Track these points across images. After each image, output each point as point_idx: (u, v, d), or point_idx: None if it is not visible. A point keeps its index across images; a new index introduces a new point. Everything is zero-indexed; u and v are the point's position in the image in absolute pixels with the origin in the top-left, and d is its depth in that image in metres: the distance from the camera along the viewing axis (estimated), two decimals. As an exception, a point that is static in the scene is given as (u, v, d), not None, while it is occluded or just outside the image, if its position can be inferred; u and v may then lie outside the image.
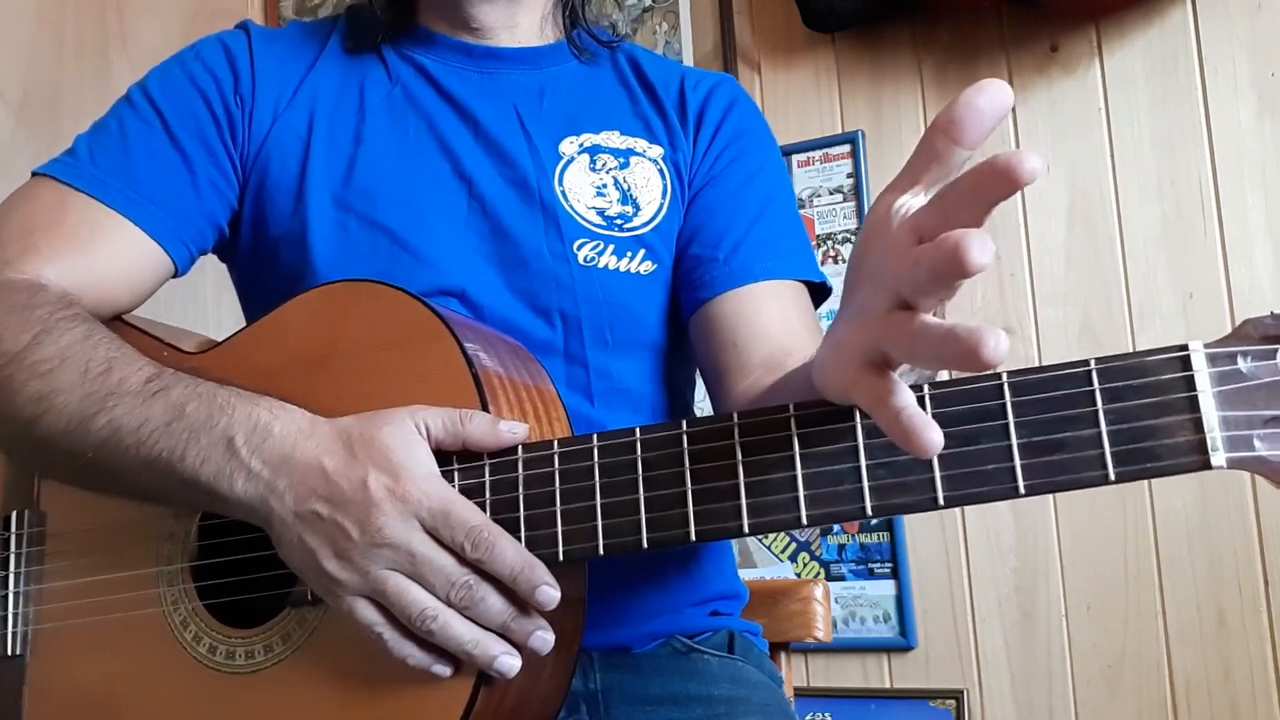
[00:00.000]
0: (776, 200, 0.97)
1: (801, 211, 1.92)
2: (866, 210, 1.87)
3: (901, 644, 1.80)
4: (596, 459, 0.64)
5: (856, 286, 0.53)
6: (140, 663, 0.73)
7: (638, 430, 0.64)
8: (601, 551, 0.63)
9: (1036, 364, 1.78)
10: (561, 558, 0.64)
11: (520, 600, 0.64)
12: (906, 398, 0.49)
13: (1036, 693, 1.72)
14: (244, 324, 0.82)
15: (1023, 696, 1.72)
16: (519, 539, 0.64)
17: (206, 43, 0.94)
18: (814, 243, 1.90)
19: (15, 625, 0.78)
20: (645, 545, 0.62)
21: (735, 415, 0.61)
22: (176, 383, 0.70)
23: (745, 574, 1.67)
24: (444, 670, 0.65)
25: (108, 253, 0.84)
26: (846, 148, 1.91)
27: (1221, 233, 1.68)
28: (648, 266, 0.91)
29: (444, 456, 0.66)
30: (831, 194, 1.90)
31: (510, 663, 0.64)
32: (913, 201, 0.49)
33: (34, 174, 0.87)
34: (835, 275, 1.87)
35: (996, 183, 0.44)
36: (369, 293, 0.74)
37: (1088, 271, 1.75)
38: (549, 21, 0.99)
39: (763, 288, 0.90)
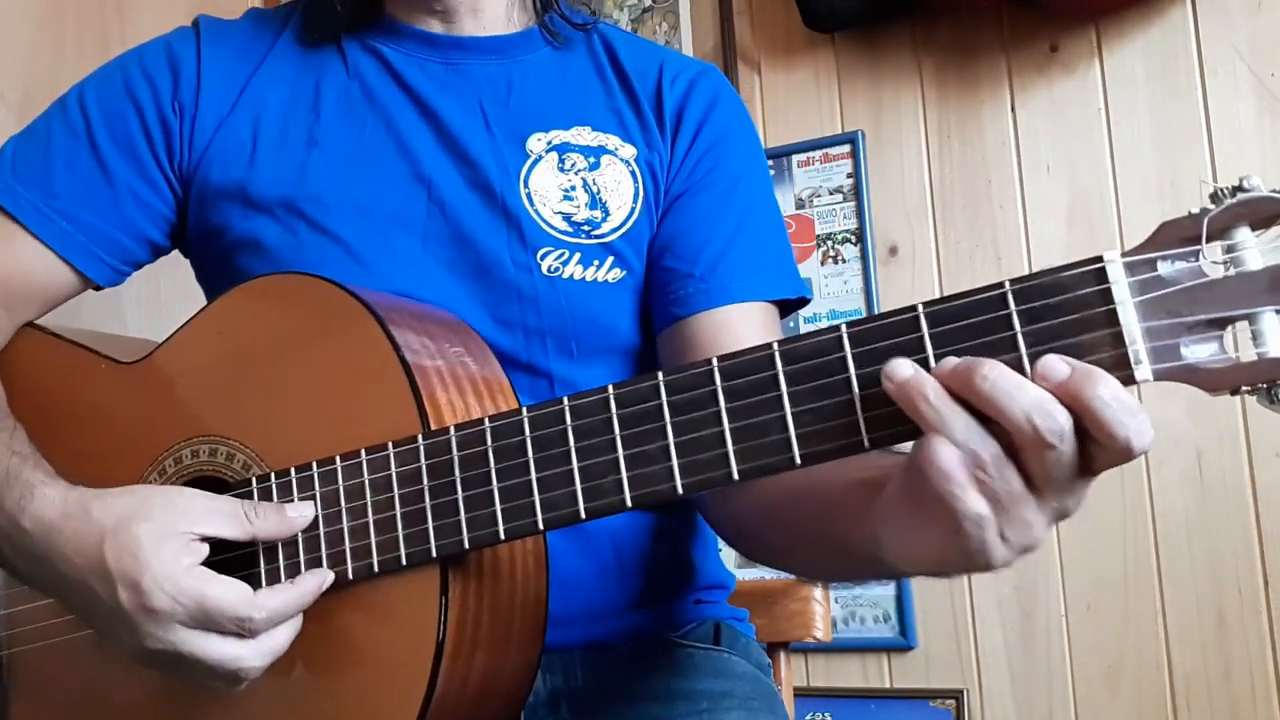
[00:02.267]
0: (758, 209, 0.92)
1: (801, 212, 1.92)
2: (866, 210, 1.87)
3: (901, 644, 1.80)
4: (528, 431, 0.63)
5: None
6: (111, 672, 0.74)
7: (565, 399, 0.62)
8: (541, 526, 0.62)
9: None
10: (504, 536, 0.63)
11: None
12: None
13: (1036, 693, 1.71)
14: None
15: (1023, 696, 1.72)
16: (459, 519, 0.64)
17: (152, 45, 0.91)
18: (813, 242, 1.90)
19: None
20: (584, 516, 0.61)
21: (660, 376, 0.61)
22: None
23: (744, 573, 1.67)
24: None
25: (11, 267, 0.85)
26: (846, 148, 1.91)
27: (1221, 233, 1.68)
28: (616, 274, 0.87)
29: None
30: (831, 194, 1.90)
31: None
32: None
33: None
34: (835, 275, 1.88)
35: None
36: (294, 284, 0.74)
37: (1088, 271, 1.75)
38: (517, 6, 0.94)
39: (738, 309, 0.87)
